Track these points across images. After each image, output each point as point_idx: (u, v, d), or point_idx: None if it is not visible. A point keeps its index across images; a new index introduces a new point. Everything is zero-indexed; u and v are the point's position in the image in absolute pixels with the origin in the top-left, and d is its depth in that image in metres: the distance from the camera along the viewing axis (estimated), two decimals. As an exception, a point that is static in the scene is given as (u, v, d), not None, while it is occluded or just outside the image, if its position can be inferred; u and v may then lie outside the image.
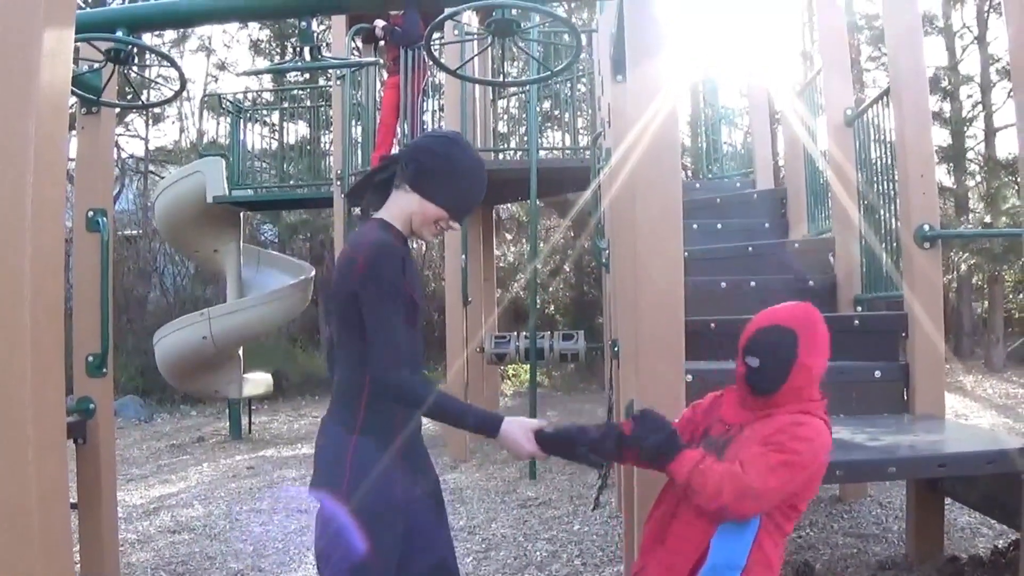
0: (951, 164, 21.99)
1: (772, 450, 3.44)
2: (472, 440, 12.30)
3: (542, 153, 13.33)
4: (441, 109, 14.21)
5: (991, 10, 21.89)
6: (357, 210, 3.88)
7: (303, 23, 6.30)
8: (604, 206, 8.35)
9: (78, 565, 6.67)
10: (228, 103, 16.88)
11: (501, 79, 13.41)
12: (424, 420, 3.83)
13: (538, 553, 7.45)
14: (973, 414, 13.46)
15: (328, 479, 3.76)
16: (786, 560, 6.60)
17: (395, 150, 13.45)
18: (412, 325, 3.73)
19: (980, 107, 22.48)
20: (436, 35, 12.68)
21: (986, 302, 22.88)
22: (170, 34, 27.75)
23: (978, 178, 22.59)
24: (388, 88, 13.73)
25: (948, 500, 6.35)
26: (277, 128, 21.33)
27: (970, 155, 22.64)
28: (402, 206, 3.80)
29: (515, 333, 12.47)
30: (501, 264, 22.05)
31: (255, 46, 28.95)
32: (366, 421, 3.71)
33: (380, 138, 13.55)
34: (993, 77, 22.03)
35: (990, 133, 22.19)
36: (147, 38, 6.52)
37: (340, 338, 3.74)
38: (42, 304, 3.71)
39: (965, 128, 22.52)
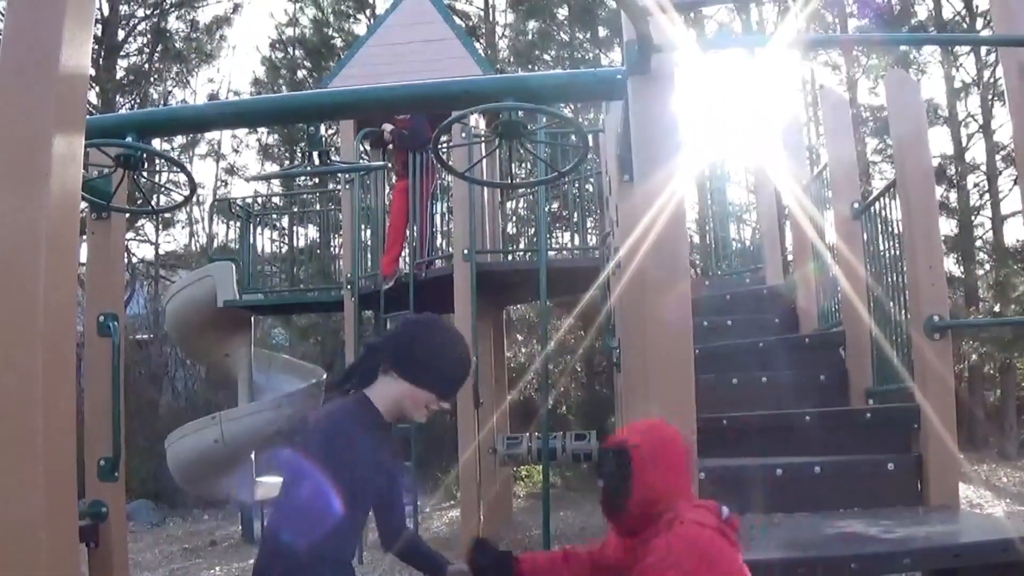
0: (959, 253, 22.06)
1: None
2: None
3: (551, 253, 13.38)
4: (450, 211, 14.28)
5: (995, 99, 22.07)
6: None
7: (311, 128, 6.37)
8: (613, 305, 8.37)
9: (90, 673, 6.63)
10: (238, 207, 17.01)
11: (509, 180, 13.51)
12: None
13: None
14: (987, 503, 13.38)
15: None
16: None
17: (405, 253, 13.53)
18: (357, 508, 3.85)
19: (987, 195, 22.59)
20: (444, 138, 12.81)
21: (998, 391, 22.81)
22: (180, 139, 28.03)
23: (987, 266, 22.64)
24: (397, 192, 13.83)
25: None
26: (287, 232, 21.46)
27: (978, 243, 22.70)
28: (391, 392, 3.94)
29: (527, 433, 12.44)
30: (512, 364, 22.02)
31: (264, 151, 29.24)
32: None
33: (390, 242, 13.64)
34: (999, 165, 22.17)
35: (997, 221, 22.31)
36: (157, 143, 6.57)
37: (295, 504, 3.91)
38: (54, 408, 3.72)
39: (972, 217, 22.63)
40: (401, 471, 4.11)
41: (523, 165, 21.00)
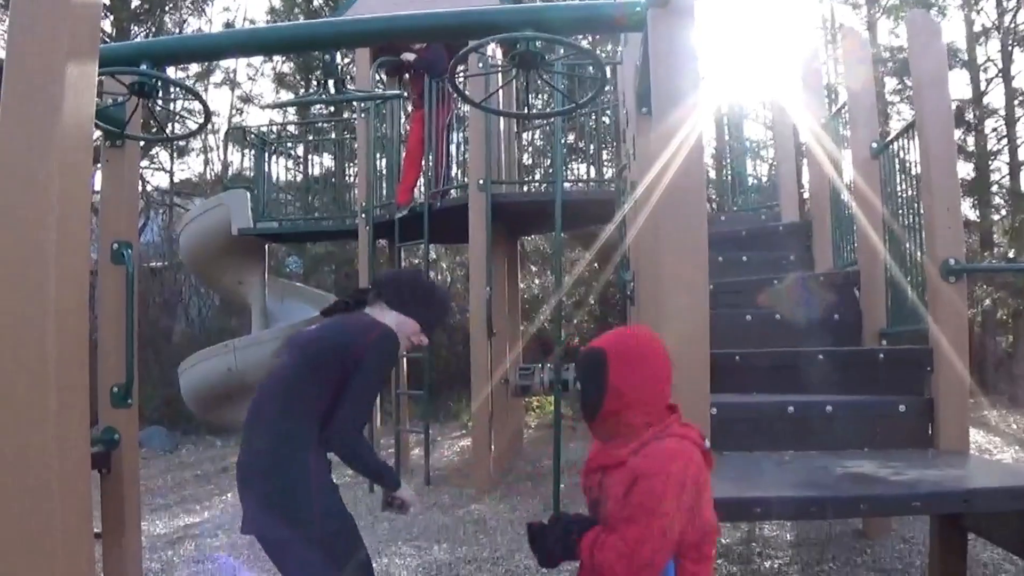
0: (976, 198, 21.94)
1: (632, 508, 3.27)
2: (497, 471, 12.29)
3: (567, 185, 13.32)
4: (466, 141, 14.21)
5: (1015, 44, 21.89)
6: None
7: (327, 56, 6.31)
8: (629, 238, 8.34)
9: (102, 595, 6.68)
10: (253, 136, 16.96)
11: (526, 111, 13.42)
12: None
13: (561, 586, 7.43)
14: (997, 449, 13.37)
15: (295, 507, 4.25)
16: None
17: (420, 182, 13.48)
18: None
19: (1005, 140, 22.43)
20: (460, 68, 12.72)
21: (1010, 336, 22.75)
22: (195, 67, 27.94)
23: (1003, 212, 22.53)
24: (413, 121, 13.76)
25: (971, 536, 6.30)
26: (302, 160, 21.43)
27: (994, 188, 22.58)
28: (385, 317, 4.54)
29: (539, 365, 12.45)
30: (526, 296, 22.02)
31: (280, 79, 29.08)
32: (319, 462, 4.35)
33: (405, 171, 13.58)
34: (1018, 111, 22.00)
35: (1015, 167, 22.16)
36: (171, 71, 6.53)
37: (306, 387, 4.31)
38: (67, 335, 3.72)
39: (990, 162, 22.48)
40: None
41: (540, 96, 20.87)
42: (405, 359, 14.54)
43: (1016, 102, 22.00)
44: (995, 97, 22.76)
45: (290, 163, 20.63)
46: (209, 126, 26.13)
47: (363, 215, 13.98)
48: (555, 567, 3.59)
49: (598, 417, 3.52)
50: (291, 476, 4.22)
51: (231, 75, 30.25)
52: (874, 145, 7.88)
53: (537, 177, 20.25)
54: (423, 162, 13.29)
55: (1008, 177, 22.47)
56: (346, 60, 20.76)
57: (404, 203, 13.28)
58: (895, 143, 7.44)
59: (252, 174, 17.12)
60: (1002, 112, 22.34)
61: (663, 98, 4.83)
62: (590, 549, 3.38)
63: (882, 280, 7.66)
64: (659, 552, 3.22)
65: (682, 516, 3.23)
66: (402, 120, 14.46)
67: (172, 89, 6.96)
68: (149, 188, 28.24)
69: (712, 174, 19.75)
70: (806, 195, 13.35)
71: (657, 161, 4.66)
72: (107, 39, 21.36)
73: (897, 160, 7.41)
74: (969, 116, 22.10)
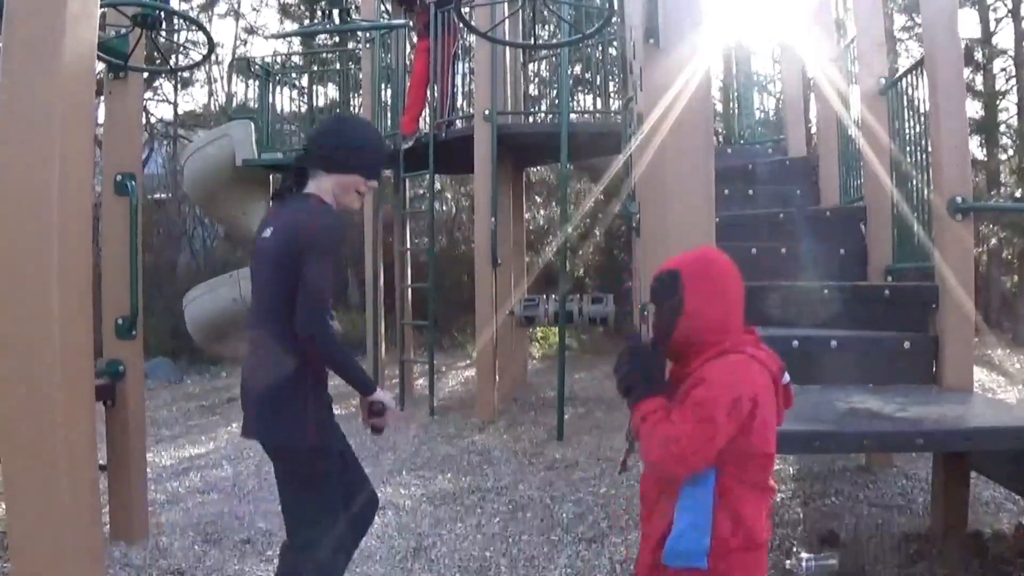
0: (983, 136, 21.85)
1: (687, 406, 3.31)
2: (501, 401, 12.32)
3: (573, 116, 13.23)
4: (471, 72, 14.12)
5: (1026, -17, 21.73)
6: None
7: (332, -15, 6.28)
8: (635, 170, 8.31)
9: (107, 526, 6.71)
10: (257, 67, 16.84)
11: (532, 42, 13.33)
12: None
13: (565, 515, 7.46)
14: (1000, 388, 13.38)
15: (290, 424, 4.24)
16: (812, 528, 6.61)
17: (425, 113, 13.44)
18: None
19: (1013, 80, 22.32)
20: (467, -2, 12.63)
21: (1016, 276, 22.72)
22: (198, -2, 27.78)
23: (1010, 151, 22.45)
24: (419, 52, 13.69)
25: (974, 474, 6.31)
26: (306, 91, 21.29)
27: (1002, 128, 22.48)
28: (323, 187, 4.36)
29: (545, 296, 12.46)
30: (531, 227, 21.99)
31: (284, 9, 28.90)
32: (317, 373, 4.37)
33: (410, 101, 13.51)
34: (1027, 51, 21.87)
35: (1023, 107, 22.03)
36: (175, 2, 6.51)
37: (278, 293, 4.19)
38: (71, 267, 3.72)
39: (998, 101, 22.37)
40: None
41: (546, 26, 20.74)
42: (409, 290, 14.57)
43: (1025, 42, 21.87)
44: (1004, 37, 22.69)
45: (294, 94, 20.46)
46: (213, 57, 26.05)
47: (367, 145, 13.92)
48: (626, 393, 3.56)
49: (672, 337, 3.54)
50: (281, 386, 4.21)
51: (235, 5, 30.07)
52: (882, 81, 7.82)
53: (543, 108, 20.18)
54: (428, 93, 13.24)
55: (1016, 117, 22.37)
56: (351, -11, 20.61)
57: (409, 133, 13.23)
58: (903, 80, 7.39)
59: (256, 105, 17.00)
60: (1011, 52, 22.18)
61: (672, 29, 4.79)
62: (648, 412, 3.41)
63: (888, 216, 7.63)
64: (697, 454, 3.25)
65: (729, 429, 3.25)
66: (407, 50, 14.38)
67: (175, 20, 6.93)
68: (153, 120, 28.14)
69: (719, 107, 19.66)
70: (813, 130, 13.27)
71: (664, 93, 4.63)
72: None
73: (905, 97, 7.36)
74: (978, 55, 21.95)
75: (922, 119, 6.87)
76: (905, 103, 7.36)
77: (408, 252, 14.84)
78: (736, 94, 15.44)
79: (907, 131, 7.33)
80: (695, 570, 3.34)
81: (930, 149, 6.50)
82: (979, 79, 22.10)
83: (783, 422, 3.53)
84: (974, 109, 21.68)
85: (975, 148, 21.73)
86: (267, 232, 4.33)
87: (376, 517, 7.51)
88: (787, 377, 3.57)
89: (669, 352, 3.62)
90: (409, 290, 14.64)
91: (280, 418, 4.22)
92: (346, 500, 4.50)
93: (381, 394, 4.63)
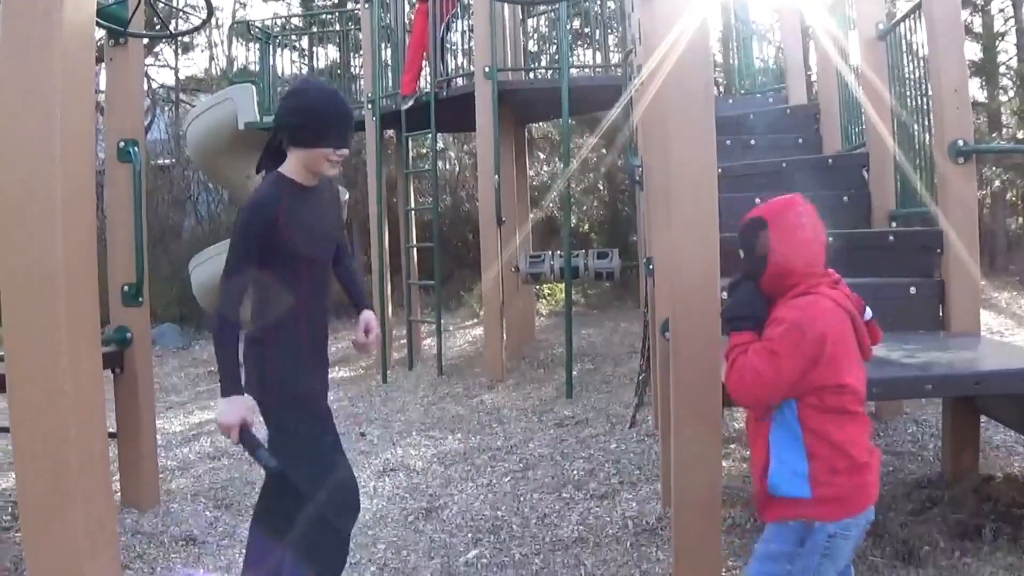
0: (983, 78, 21.77)
1: (761, 342, 3.56)
2: (509, 360, 12.34)
3: (573, 72, 13.19)
4: (470, 29, 14.08)
5: (1023, -78, 21.60)
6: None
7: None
8: (637, 123, 8.29)
9: (118, 494, 6.73)
10: (257, 29, 16.80)
11: (530, -2, 13.30)
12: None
13: (575, 472, 7.47)
14: (1008, 331, 13.35)
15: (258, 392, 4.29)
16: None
17: (425, 72, 13.40)
18: (287, 266, 4.23)
19: (1012, 21, 22.21)
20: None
21: (1020, 218, 22.67)
22: (195, -38, 27.68)
23: (1011, 93, 22.36)
24: (418, 14, 13.64)
25: (984, 418, 6.31)
26: (307, 53, 21.22)
27: (1002, 70, 22.38)
28: (296, 161, 4.28)
29: (550, 252, 12.45)
30: (534, 183, 21.95)
31: (282, -29, 28.80)
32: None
33: (409, 62, 13.47)
34: (1025, -9, 21.76)
35: (1022, 47, 21.92)
36: (173, -34, 6.49)
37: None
38: (74, 235, 3.72)
39: (997, 42, 22.26)
40: (335, 217, 4.70)
41: (545, -19, 20.65)
42: (415, 250, 14.57)
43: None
44: (1002, -23, 22.51)
45: (295, 56, 20.42)
46: (212, 21, 25.95)
47: (369, 106, 13.93)
48: (728, 322, 3.80)
49: (760, 282, 3.74)
50: (251, 363, 4.32)
51: (234, -32, 30.00)
52: (880, 26, 7.78)
53: (543, 64, 20.09)
54: (426, 52, 13.21)
55: (1016, 58, 22.26)
56: (349, -51, 20.54)
57: (409, 94, 13.20)
58: (902, 24, 7.35)
59: (257, 68, 16.98)
60: (1009, -7, 22.10)
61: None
62: (735, 344, 3.65)
63: (891, 162, 7.61)
64: (765, 387, 3.49)
65: (798, 364, 3.44)
66: (407, 10, 14.34)
67: (174, -16, 6.91)
68: (154, 85, 28.10)
69: (719, 57, 19.58)
70: (813, 78, 13.22)
71: (663, 44, 4.61)
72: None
73: (904, 42, 7.33)
74: (975, -4, 21.88)
75: (921, 63, 6.84)
76: (904, 48, 7.33)
77: (412, 212, 14.83)
78: (735, 44, 15.40)
79: (907, 76, 7.30)
80: (801, 498, 3.50)
81: (930, 93, 6.48)
82: (977, 21, 22.01)
83: (871, 356, 3.79)
84: (973, 51, 21.61)
85: (976, 90, 21.67)
86: None
87: (387, 479, 7.58)
88: (869, 314, 3.81)
89: (763, 292, 3.79)
90: (415, 250, 14.64)
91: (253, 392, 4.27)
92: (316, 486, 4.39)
93: (220, 405, 4.21)
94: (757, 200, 7.29)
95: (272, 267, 4.15)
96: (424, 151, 19.86)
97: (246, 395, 4.14)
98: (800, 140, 9.52)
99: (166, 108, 28.65)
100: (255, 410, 4.08)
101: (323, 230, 4.41)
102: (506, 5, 13.10)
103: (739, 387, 3.53)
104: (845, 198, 7.74)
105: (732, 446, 7.69)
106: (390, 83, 13.99)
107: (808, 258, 3.71)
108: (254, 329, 4.27)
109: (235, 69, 25.74)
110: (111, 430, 5.76)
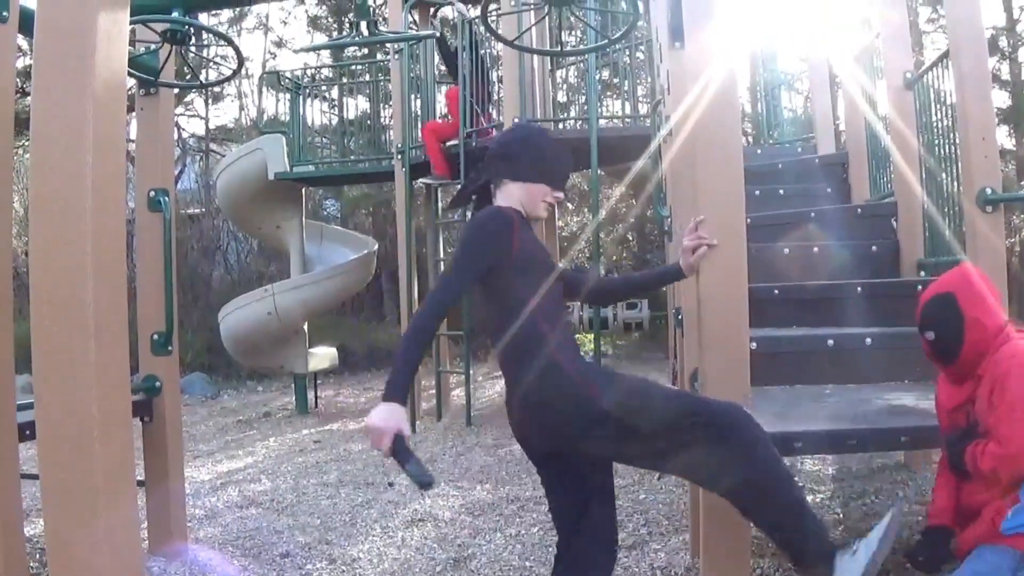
0: (1011, 126, 21.76)
1: (1000, 420, 3.52)
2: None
3: (602, 122, 13.21)
4: (500, 80, 14.16)
5: (1048, -29, 21.66)
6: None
7: (359, -2, 6.30)
8: (665, 173, 8.30)
9: (146, 542, 6.74)
10: (287, 80, 16.91)
11: (559, 49, 13.35)
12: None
13: (604, 523, 7.44)
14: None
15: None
16: (853, 528, 6.58)
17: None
18: (533, 276, 3.99)
19: (1039, 68, 22.26)
20: (493, 6, 12.64)
21: (1049, 266, 22.58)
22: (227, 13, 27.93)
23: (1039, 140, 22.36)
24: (450, 98, 13.66)
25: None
26: (336, 103, 21.35)
27: (1029, 116, 22.38)
28: (510, 197, 4.12)
29: (578, 302, 12.44)
30: (563, 233, 21.99)
31: (313, 22, 29.06)
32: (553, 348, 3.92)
33: (431, 149, 13.44)
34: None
35: (1050, 95, 21.95)
36: (204, 18, 6.55)
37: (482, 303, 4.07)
38: (105, 284, 3.74)
39: (1024, 89, 22.29)
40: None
41: (573, 33, 20.75)
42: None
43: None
44: (1029, 25, 22.55)
45: (325, 106, 20.56)
46: (242, 71, 26.13)
47: (399, 156, 14.00)
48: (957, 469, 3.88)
49: (960, 355, 3.76)
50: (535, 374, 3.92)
51: (264, 20, 30.31)
52: (908, 75, 7.79)
53: (572, 114, 20.18)
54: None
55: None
56: (378, 2, 20.66)
57: (442, 174, 13.25)
58: (929, 73, 7.36)
59: (287, 118, 17.09)
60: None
61: (696, 30, 4.78)
62: (973, 460, 3.67)
63: (919, 211, 7.61)
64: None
65: None
66: (436, 60, 14.41)
67: (204, 35, 6.96)
68: (184, 135, 28.35)
69: (747, 107, 19.63)
70: (842, 127, 13.23)
71: (690, 93, 4.63)
72: (139, -14, 21.35)
73: (932, 90, 7.34)
74: (1003, 44, 21.87)
75: (949, 111, 6.84)
76: (932, 96, 7.34)
77: (441, 262, 14.87)
78: (763, 93, 15.43)
79: (935, 124, 7.30)
80: None
81: (958, 141, 6.47)
82: (1005, 68, 22.02)
83: None
84: (1001, 99, 21.60)
85: (1004, 138, 21.66)
86: None
87: (415, 529, 7.56)
88: None
89: (954, 372, 3.86)
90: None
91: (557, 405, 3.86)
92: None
93: (375, 411, 3.68)
94: (786, 251, 7.32)
95: (516, 280, 3.95)
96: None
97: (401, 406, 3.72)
98: (829, 189, 9.52)
99: (196, 157, 28.87)
100: (407, 422, 3.73)
101: (550, 260, 4.19)
102: (535, 56, 13.16)
103: (1014, 470, 3.52)
104: (874, 247, 7.72)
105: (761, 497, 7.65)
106: (419, 133, 14.03)
107: (998, 318, 3.74)
108: (515, 344, 4.01)
109: (265, 119, 25.93)
110: (139, 478, 5.77)
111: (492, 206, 4.11)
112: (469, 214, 4.33)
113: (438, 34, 13.77)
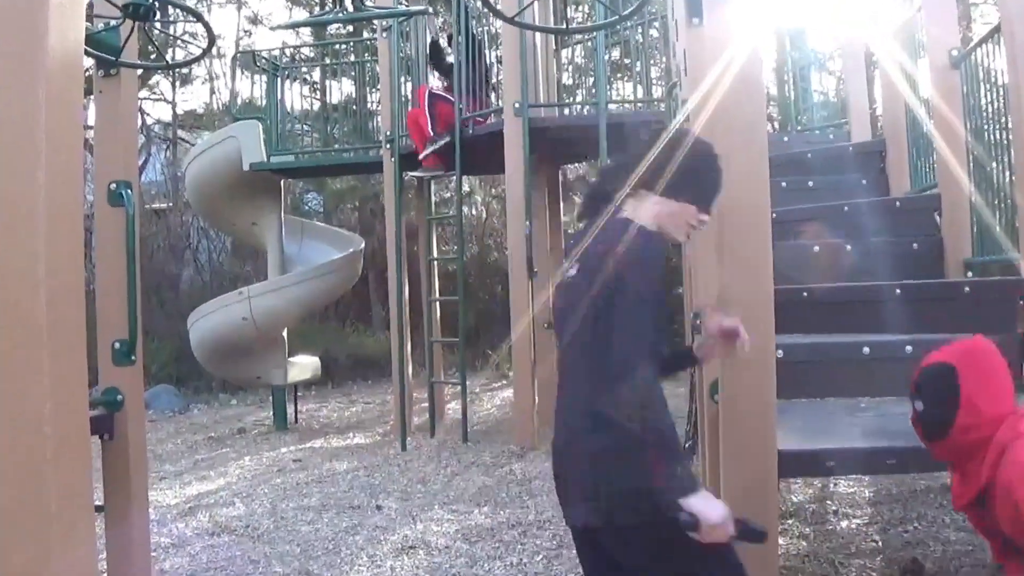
0: (1071, 109, 21.71)
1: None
2: (541, 425, 12.29)
3: (612, 106, 13.21)
4: (499, 61, 14.13)
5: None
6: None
7: (343, -31, 6.28)
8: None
9: (105, 574, 6.72)
10: (263, 60, 16.90)
11: (564, 26, 13.36)
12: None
13: (614, 551, 7.43)
14: (1099, 389, 13.28)
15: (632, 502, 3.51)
16: (892, 558, 6.57)
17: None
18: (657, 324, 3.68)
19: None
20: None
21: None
22: (196, -15, 27.93)
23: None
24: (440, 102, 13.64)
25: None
26: (319, 87, 21.38)
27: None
28: (646, 210, 3.84)
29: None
30: (569, 230, 21.96)
31: (292, -5, 29.02)
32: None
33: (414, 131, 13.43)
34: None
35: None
36: (170, -10, 6.51)
37: (585, 335, 3.68)
38: (60, 287, 3.72)
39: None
40: None
41: (579, 8, 20.75)
42: (437, 304, 14.57)
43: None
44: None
45: (306, 90, 20.60)
46: (214, 51, 26.10)
47: (388, 145, 13.98)
48: None
49: (948, 438, 3.59)
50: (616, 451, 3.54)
51: (237, -7, 30.23)
52: (954, 53, 7.77)
53: (579, 98, 20.17)
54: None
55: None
56: (364, -27, 20.64)
57: (429, 166, 13.23)
58: (978, 50, 7.33)
59: (264, 103, 17.10)
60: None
61: (716, 4, 4.77)
62: None
63: (966, 204, 7.57)
64: None
65: None
66: (427, 39, 14.38)
67: (171, 10, 6.93)
68: (149, 121, 28.33)
69: (773, 90, 19.62)
70: (879, 111, 13.21)
71: (710, 75, 4.61)
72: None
73: (981, 69, 7.31)
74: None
75: (1000, 93, 6.81)
76: (981, 76, 7.30)
77: (435, 262, 14.85)
78: (791, 75, 15.40)
79: (984, 107, 7.27)
80: None
81: (1011, 126, 6.44)
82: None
83: None
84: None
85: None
86: (572, 271, 3.87)
87: (406, 557, 7.56)
88: None
89: (939, 451, 3.73)
90: (437, 304, 14.65)
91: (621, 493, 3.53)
92: None
93: (700, 502, 3.34)
94: (816, 248, 7.29)
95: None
96: (448, 195, 19.93)
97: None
98: (864, 181, 9.49)
99: (163, 146, 28.84)
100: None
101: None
102: (537, 34, 13.14)
103: None
104: (915, 245, 7.70)
105: (790, 521, 7.64)
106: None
107: (1006, 407, 3.56)
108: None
109: (239, 104, 25.93)
110: (98, 503, 5.75)
111: (636, 223, 3.70)
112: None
113: (431, 10, 13.77)
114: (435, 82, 14.26)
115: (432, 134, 13.00)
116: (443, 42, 14.02)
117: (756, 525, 3.51)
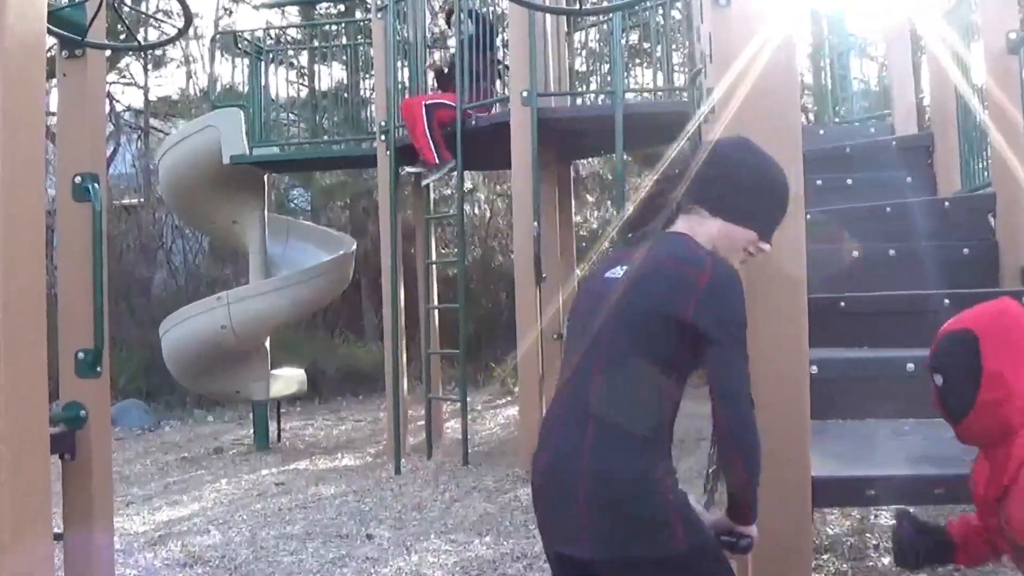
0: None
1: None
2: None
3: (629, 96, 13.22)
4: (506, 45, 14.14)
5: None
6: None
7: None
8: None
9: (65, 610, 6.72)
10: (245, 42, 16.91)
11: (577, 6, 13.36)
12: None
13: (628, 585, 7.42)
14: None
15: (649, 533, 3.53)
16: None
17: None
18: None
19: None
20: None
21: None
22: (173, -41, 27.95)
23: None
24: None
25: None
26: (307, 72, 21.42)
27: None
28: (701, 229, 3.81)
29: (599, 315, 12.42)
30: (582, 232, 22.00)
31: (277, -28, 29.06)
32: (664, 453, 3.68)
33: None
34: None
35: None
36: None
37: (625, 353, 3.65)
38: (18, 290, 3.71)
39: None
40: None
41: (595, -13, 20.77)
42: (436, 312, 14.56)
43: None
44: None
45: (292, 75, 20.65)
46: (190, 31, 26.18)
47: (382, 137, 13.96)
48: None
49: (970, 413, 3.52)
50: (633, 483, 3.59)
51: (217, -33, 30.28)
52: (1012, 36, 7.75)
53: (593, 87, 20.20)
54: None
55: None
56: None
57: (432, 164, 13.20)
58: (1040, 34, 7.33)
59: (246, 89, 17.11)
60: None
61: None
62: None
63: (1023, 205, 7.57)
64: None
65: None
66: (427, 19, 14.36)
67: (143, -14, 6.93)
68: (119, 108, 28.35)
69: (808, 78, 19.62)
70: (926, 101, 13.22)
71: (738, 61, 4.60)
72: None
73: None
74: None
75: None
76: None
77: (434, 266, 14.85)
78: (828, 62, 15.40)
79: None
80: None
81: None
82: None
83: None
84: None
85: None
86: (616, 270, 3.81)
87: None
88: None
89: (964, 433, 3.67)
90: (436, 312, 14.65)
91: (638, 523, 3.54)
92: None
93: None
94: (855, 253, 7.29)
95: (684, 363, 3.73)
96: (448, 192, 19.94)
97: None
98: (909, 179, 9.48)
99: (133, 136, 28.87)
100: None
101: None
102: (548, 16, 13.13)
103: None
104: (966, 250, 7.69)
105: (825, 557, 7.62)
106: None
107: None
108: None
109: (218, 90, 25.97)
110: (57, 531, 5.74)
111: (715, 257, 3.67)
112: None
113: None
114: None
115: (438, 160, 12.93)
116: (441, 22, 14.00)
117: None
